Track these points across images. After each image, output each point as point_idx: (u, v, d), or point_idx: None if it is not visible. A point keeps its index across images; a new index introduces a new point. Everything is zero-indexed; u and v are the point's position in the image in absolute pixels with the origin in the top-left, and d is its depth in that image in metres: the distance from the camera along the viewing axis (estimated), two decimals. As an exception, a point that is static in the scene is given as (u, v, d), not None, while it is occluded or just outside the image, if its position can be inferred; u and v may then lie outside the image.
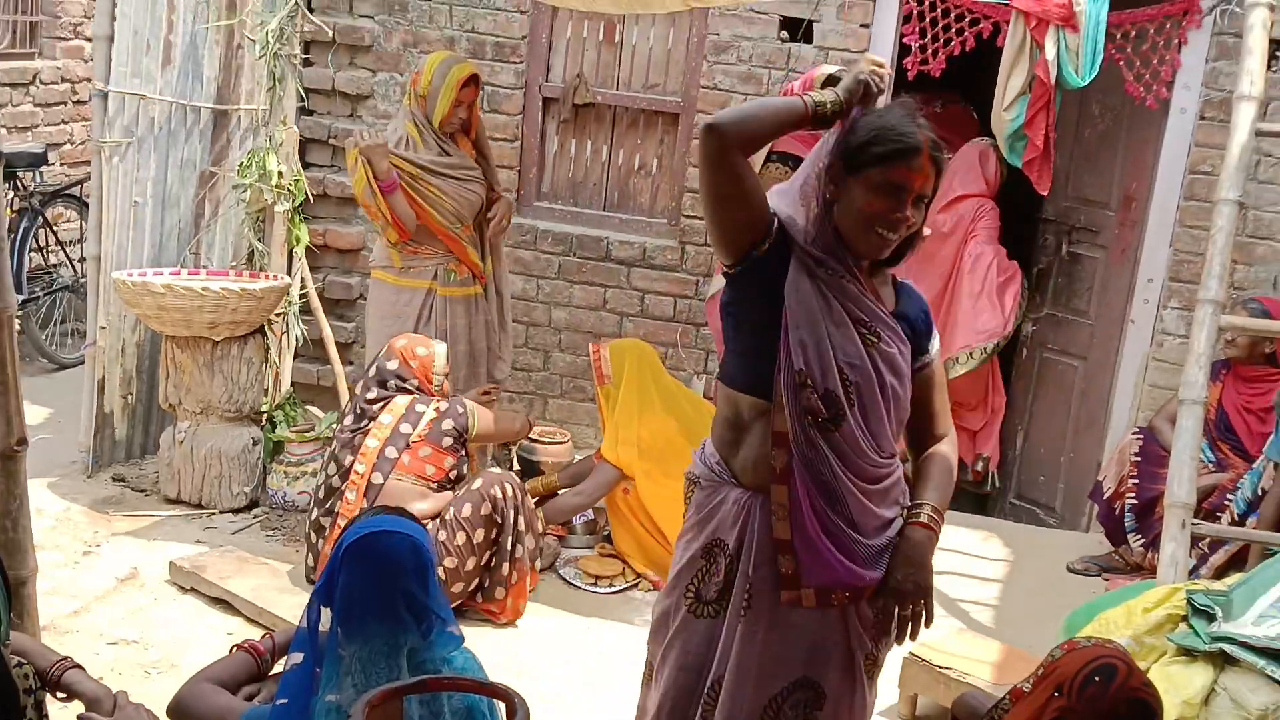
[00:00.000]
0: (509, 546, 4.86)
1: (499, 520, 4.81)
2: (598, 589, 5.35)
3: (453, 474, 5.02)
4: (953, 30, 5.98)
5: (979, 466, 6.84)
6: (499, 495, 4.81)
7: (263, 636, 3.08)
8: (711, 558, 2.92)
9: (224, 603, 4.87)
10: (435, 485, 4.96)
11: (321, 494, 5.06)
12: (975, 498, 6.94)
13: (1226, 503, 5.32)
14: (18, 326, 6.93)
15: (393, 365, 5.08)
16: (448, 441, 4.97)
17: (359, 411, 5.06)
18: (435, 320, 5.58)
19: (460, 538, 4.75)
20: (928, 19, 5.98)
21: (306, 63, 6.47)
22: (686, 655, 2.96)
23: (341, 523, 4.75)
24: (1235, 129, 4.84)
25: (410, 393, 5.07)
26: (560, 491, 5.62)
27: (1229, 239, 4.77)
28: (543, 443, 5.93)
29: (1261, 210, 5.99)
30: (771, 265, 2.79)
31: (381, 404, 5.02)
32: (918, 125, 2.77)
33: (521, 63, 6.54)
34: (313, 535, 5.03)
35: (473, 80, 5.46)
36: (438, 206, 5.42)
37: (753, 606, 2.86)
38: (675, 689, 2.97)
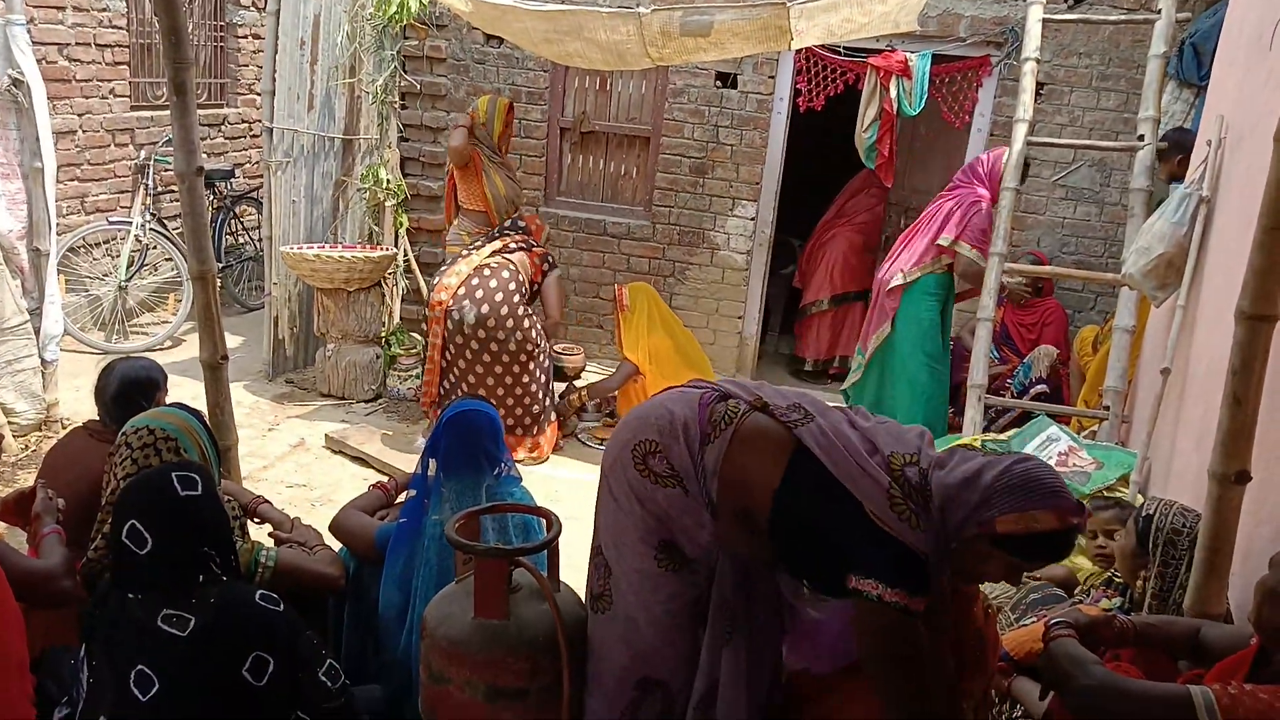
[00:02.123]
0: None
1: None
2: (602, 447, 5.37)
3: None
4: (829, 79, 5.94)
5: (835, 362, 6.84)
6: None
7: (388, 479, 3.09)
8: None
9: (361, 460, 4.89)
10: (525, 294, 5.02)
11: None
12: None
13: (1007, 385, 5.36)
14: (219, 283, 6.96)
15: (521, 224, 5.21)
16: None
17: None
18: None
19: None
20: (812, 71, 5.94)
21: (404, 107, 6.39)
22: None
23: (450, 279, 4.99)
24: (1014, 141, 4.82)
25: (520, 235, 5.15)
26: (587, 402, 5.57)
27: (1010, 213, 4.76)
28: (567, 355, 5.95)
29: (1029, 195, 5.98)
30: None
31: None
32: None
33: (545, 104, 6.46)
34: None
35: (511, 109, 5.41)
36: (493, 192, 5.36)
37: None
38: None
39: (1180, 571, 2.58)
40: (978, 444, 4.18)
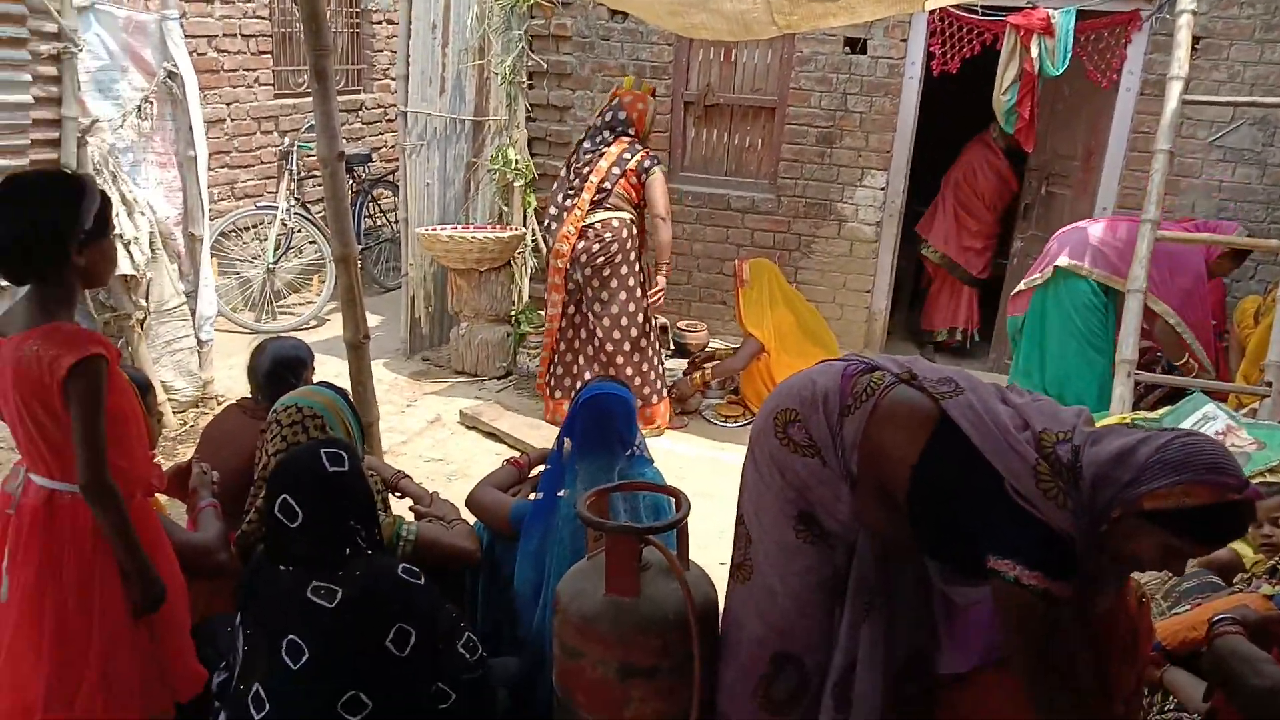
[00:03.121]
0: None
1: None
2: (726, 424, 5.36)
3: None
4: (964, 40, 5.71)
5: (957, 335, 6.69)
6: None
7: (520, 455, 3.14)
8: None
9: (494, 435, 5.01)
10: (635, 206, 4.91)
11: (553, 209, 5.08)
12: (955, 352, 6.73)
13: (1158, 358, 5.07)
14: (360, 264, 7.21)
15: (622, 115, 4.97)
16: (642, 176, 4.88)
17: (592, 145, 4.97)
18: None
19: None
20: (947, 33, 5.71)
21: (531, 86, 6.45)
22: None
23: (567, 229, 4.91)
24: (1168, 100, 4.52)
25: (625, 137, 4.94)
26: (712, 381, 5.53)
27: (1163, 177, 4.48)
28: (690, 331, 5.93)
29: (1183, 157, 5.62)
30: None
31: (599, 151, 4.93)
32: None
33: (670, 78, 6.41)
34: (546, 235, 5.15)
35: (653, 94, 5.25)
36: None
37: None
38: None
39: (1356, 562, 2.40)
40: (1127, 422, 3.98)
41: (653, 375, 5.11)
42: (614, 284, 4.93)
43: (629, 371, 5.03)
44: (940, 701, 2.20)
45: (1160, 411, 4.10)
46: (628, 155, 4.88)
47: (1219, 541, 1.81)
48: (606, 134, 4.96)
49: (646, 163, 4.90)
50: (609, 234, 4.88)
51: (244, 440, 2.83)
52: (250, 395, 3.12)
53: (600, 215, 4.91)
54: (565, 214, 4.98)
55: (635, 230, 4.98)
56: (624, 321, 4.98)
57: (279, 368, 3.03)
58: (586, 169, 4.93)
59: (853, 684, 2.13)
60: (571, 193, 4.99)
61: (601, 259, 4.89)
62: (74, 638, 2.07)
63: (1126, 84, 5.68)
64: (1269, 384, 4.24)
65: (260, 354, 3.08)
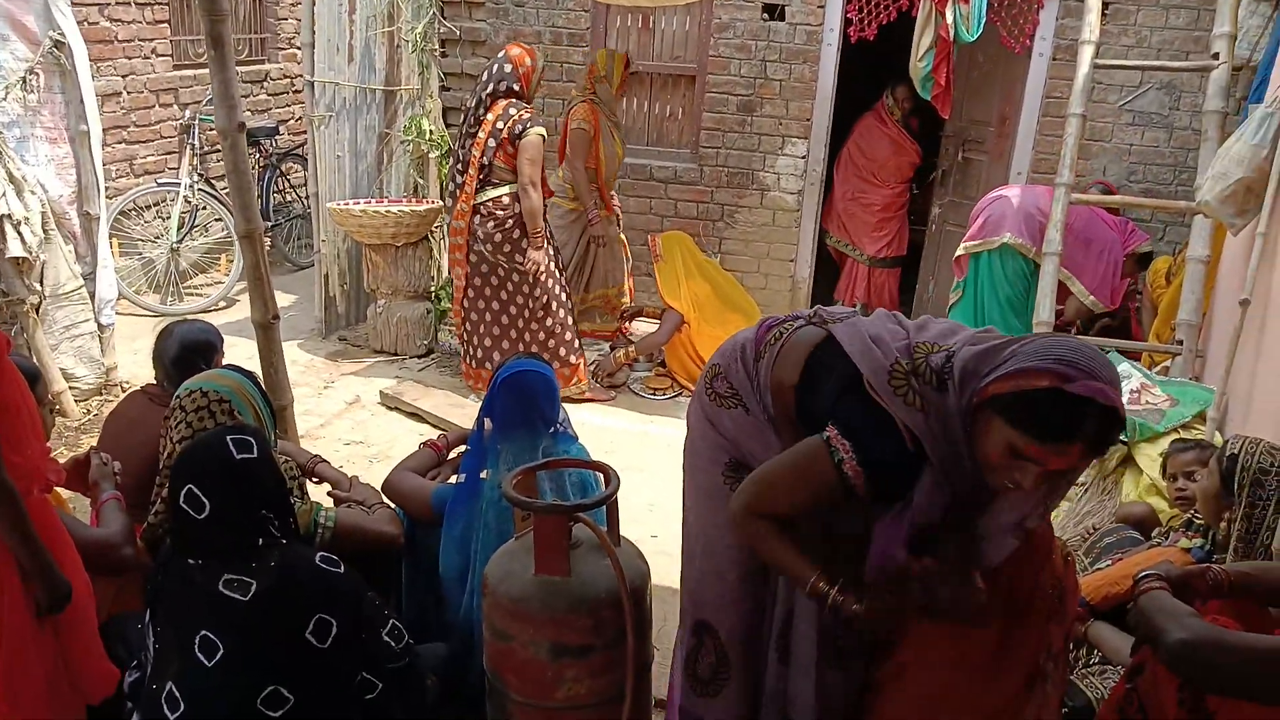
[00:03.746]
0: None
1: None
2: (655, 396, 5.34)
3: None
4: (880, 6, 5.73)
5: None
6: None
7: (439, 436, 3.05)
8: None
9: (417, 415, 4.90)
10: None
11: (450, 185, 4.95)
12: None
13: (1073, 320, 5.20)
14: (268, 242, 6.97)
15: (508, 68, 4.76)
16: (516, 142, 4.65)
17: (473, 115, 4.78)
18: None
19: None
20: (863, -1, 5.74)
21: (444, 54, 6.31)
22: None
23: (461, 206, 4.81)
24: (1080, 64, 4.61)
25: (505, 99, 4.72)
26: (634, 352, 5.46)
27: (1077, 140, 4.57)
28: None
29: (1094, 122, 5.74)
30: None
31: (479, 119, 4.74)
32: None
33: (587, 45, 6.32)
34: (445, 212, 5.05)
35: (628, 62, 5.37)
36: (609, 158, 5.35)
37: None
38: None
39: (1269, 512, 2.48)
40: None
41: (567, 335, 5.04)
42: (517, 257, 4.84)
43: (541, 336, 4.97)
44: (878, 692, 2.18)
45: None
46: (501, 124, 4.69)
47: (1054, 440, 1.63)
48: (485, 98, 4.77)
49: (518, 127, 4.66)
50: (501, 211, 4.78)
51: (149, 428, 2.70)
52: (156, 381, 2.98)
53: (490, 193, 4.78)
54: (459, 191, 4.88)
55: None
56: (536, 291, 4.90)
57: (187, 352, 2.90)
58: (469, 142, 4.80)
59: (791, 635, 2.13)
60: (460, 168, 4.88)
61: (499, 236, 4.80)
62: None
63: (1039, 49, 5.78)
64: (1180, 342, 4.37)
65: (167, 338, 2.94)
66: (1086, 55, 4.59)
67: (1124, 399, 3.85)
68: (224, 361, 2.94)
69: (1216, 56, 4.46)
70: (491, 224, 4.78)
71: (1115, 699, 2.11)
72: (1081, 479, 3.77)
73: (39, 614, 2.02)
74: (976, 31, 5.50)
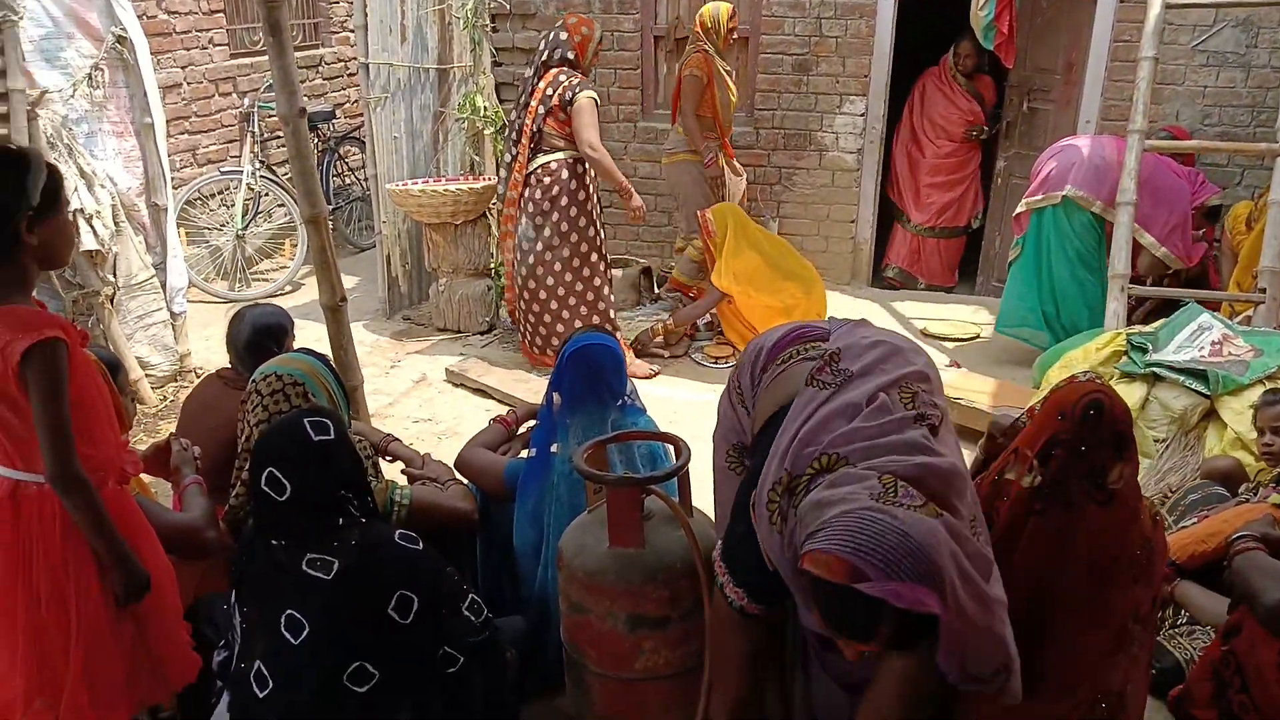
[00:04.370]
0: None
1: None
2: (716, 365, 5.31)
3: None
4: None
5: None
6: None
7: (508, 412, 3.07)
8: None
9: (482, 391, 4.93)
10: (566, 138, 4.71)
11: (505, 156, 5.01)
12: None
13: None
14: (331, 225, 7.05)
15: (564, 36, 4.78)
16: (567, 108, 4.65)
17: (529, 84, 4.81)
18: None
19: None
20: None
21: (494, 30, 6.30)
22: None
23: (515, 176, 4.84)
24: (1150, 5, 4.44)
25: (558, 67, 4.74)
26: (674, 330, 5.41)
27: (1149, 85, 4.42)
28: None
29: (1165, 64, 5.52)
30: None
31: (541, 75, 4.76)
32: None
33: (636, 12, 6.25)
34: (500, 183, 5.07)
35: (734, 14, 5.36)
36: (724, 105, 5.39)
37: None
38: None
39: (1364, 465, 2.38)
40: (1122, 340, 3.95)
41: (601, 305, 5.01)
42: (563, 225, 4.82)
43: (583, 310, 4.95)
44: None
45: (1155, 325, 4.08)
46: (550, 91, 4.70)
47: (850, 636, 1.56)
48: (539, 67, 4.80)
49: (568, 94, 4.66)
50: (548, 178, 4.79)
51: (226, 411, 2.76)
52: (230, 365, 3.05)
53: (540, 160, 4.81)
54: (513, 162, 4.90)
55: (580, 168, 4.84)
56: (574, 261, 4.88)
57: (259, 335, 2.95)
58: (523, 112, 4.83)
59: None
60: (514, 138, 4.90)
61: (547, 204, 4.81)
62: (50, 633, 2.00)
63: (1106, -9, 5.57)
64: (1263, 290, 4.22)
65: (239, 322, 3.00)
66: (1157, -6, 4.41)
67: (1203, 352, 3.75)
68: (295, 344, 2.99)
69: (1298, -11, 4.27)
70: (539, 192, 4.80)
71: (1209, 660, 2.06)
72: (1163, 435, 3.68)
73: (118, 604, 2.06)
74: (1039, -24, 5.33)
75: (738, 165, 5.80)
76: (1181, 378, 3.66)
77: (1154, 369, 3.73)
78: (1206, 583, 2.53)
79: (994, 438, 2.30)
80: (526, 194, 4.85)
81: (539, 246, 4.87)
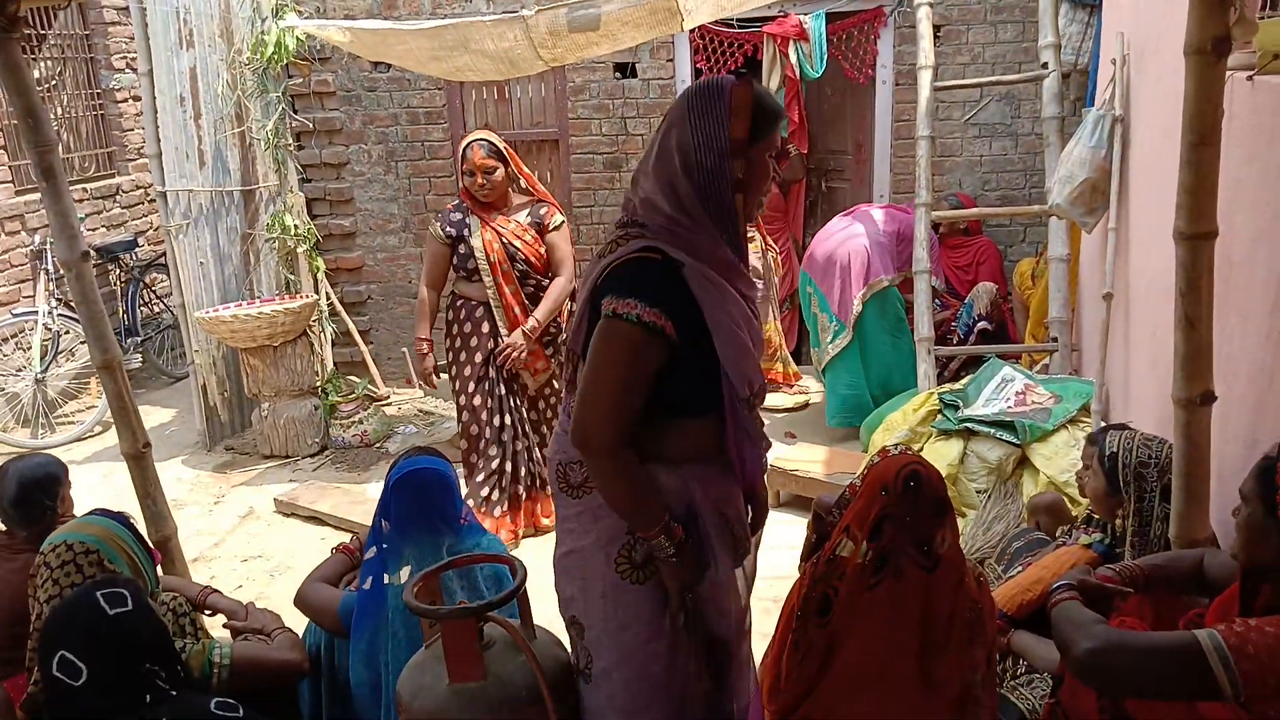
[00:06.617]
0: None
1: None
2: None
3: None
4: (727, 54, 5.87)
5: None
6: None
7: (351, 539, 2.87)
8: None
9: (316, 519, 4.69)
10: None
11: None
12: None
13: (953, 329, 5.33)
14: (139, 359, 6.67)
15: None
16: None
17: None
18: None
19: None
20: (710, 48, 5.86)
21: (300, 147, 6.19)
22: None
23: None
24: (920, 88, 4.79)
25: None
26: None
27: (929, 160, 4.73)
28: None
29: (943, 139, 5.95)
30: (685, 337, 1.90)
31: None
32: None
33: (446, 122, 6.28)
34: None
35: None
36: None
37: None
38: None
39: (1155, 503, 2.54)
40: (935, 399, 4.13)
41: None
42: None
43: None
44: None
45: (963, 382, 4.29)
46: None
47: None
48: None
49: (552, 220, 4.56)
50: None
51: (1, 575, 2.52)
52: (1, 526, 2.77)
53: None
54: None
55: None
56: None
57: (27, 490, 2.69)
58: None
59: None
60: None
61: None
62: None
63: (882, 77, 5.99)
64: (1054, 339, 4.52)
65: (3, 478, 2.73)
66: (925, 80, 4.77)
67: (1009, 404, 3.96)
68: (103, 489, 2.77)
69: (1046, 66, 4.69)
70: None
71: (1044, 715, 2.12)
72: (983, 486, 3.84)
73: None
74: (820, 68, 5.69)
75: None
76: (991, 430, 3.85)
77: (967, 424, 3.91)
78: (1039, 629, 2.63)
79: (820, 517, 2.35)
80: None
81: None
